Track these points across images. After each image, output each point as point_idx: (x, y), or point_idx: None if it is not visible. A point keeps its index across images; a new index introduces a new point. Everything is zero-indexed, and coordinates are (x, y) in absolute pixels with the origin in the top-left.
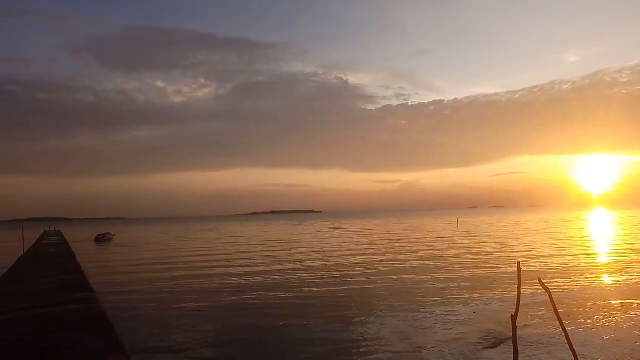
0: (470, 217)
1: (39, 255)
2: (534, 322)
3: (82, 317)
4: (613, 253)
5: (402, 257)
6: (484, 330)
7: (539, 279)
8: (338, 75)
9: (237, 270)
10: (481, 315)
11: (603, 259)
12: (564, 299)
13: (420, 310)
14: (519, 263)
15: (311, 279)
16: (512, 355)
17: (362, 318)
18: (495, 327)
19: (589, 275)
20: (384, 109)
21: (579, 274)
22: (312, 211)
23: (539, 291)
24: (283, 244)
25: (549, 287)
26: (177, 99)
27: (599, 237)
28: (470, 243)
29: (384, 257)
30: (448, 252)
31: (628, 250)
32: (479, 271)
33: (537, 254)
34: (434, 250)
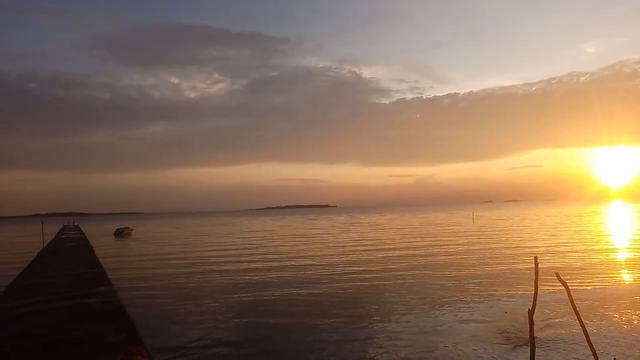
0: (486, 212)
1: (58, 249)
2: (554, 320)
3: (102, 310)
4: (634, 249)
5: (418, 252)
6: (503, 328)
7: (557, 274)
8: (352, 69)
9: (253, 265)
10: (501, 312)
11: (624, 254)
12: (584, 297)
13: (439, 308)
14: (535, 258)
15: (327, 275)
16: (529, 351)
17: (380, 316)
18: (514, 325)
19: (610, 272)
20: (398, 103)
21: (599, 270)
22: (327, 206)
23: (559, 288)
24: (298, 238)
25: (569, 284)
26: (192, 95)
27: (619, 232)
28: (487, 238)
29: (400, 253)
30: (465, 248)
31: None
32: (496, 267)
33: (556, 249)
34: (451, 245)
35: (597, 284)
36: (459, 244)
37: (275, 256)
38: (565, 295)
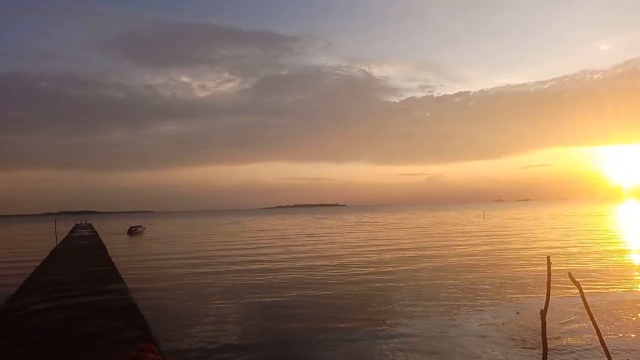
0: (498, 211)
1: (71, 247)
2: (567, 322)
3: (115, 307)
4: None
5: (429, 253)
6: (515, 329)
7: (569, 274)
8: (362, 67)
9: (263, 266)
10: (513, 313)
11: None
12: (599, 302)
13: (450, 309)
14: (548, 257)
15: (338, 275)
16: (542, 352)
17: (391, 319)
18: (526, 326)
19: (626, 275)
20: (408, 101)
21: (615, 273)
22: (336, 204)
23: (573, 292)
24: (308, 238)
25: (583, 287)
26: (202, 94)
27: (635, 233)
28: (499, 238)
29: (410, 253)
30: (476, 249)
31: None
32: (508, 268)
33: (570, 250)
34: (462, 245)
35: (613, 287)
36: (470, 244)
37: (285, 256)
38: (579, 298)
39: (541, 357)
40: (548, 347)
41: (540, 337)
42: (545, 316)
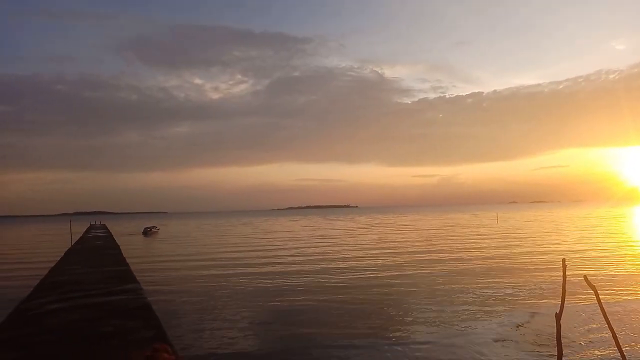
0: (512, 213)
1: (86, 247)
2: (583, 327)
3: (130, 307)
4: None
5: (443, 256)
6: (530, 333)
7: (585, 277)
8: (374, 69)
9: (276, 269)
10: (528, 316)
11: None
12: (617, 310)
13: (464, 313)
14: (563, 260)
15: (350, 279)
16: (557, 356)
17: (404, 323)
18: (541, 329)
19: None
20: (420, 102)
21: (636, 279)
22: (348, 206)
23: (590, 298)
24: (320, 240)
25: (600, 293)
26: (215, 96)
27: None
28: (513, 241)
29: (423, 257)
30: (491, 252)
31: None
32: (523, 271)
33: (587, 254)
34: (475, 249)
35: (633, 294)
36: (484, 247)
37: (298, 259)
38: (596, 303)
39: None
40: (563, 352)
41: (555, 340)
42: (560, 320)
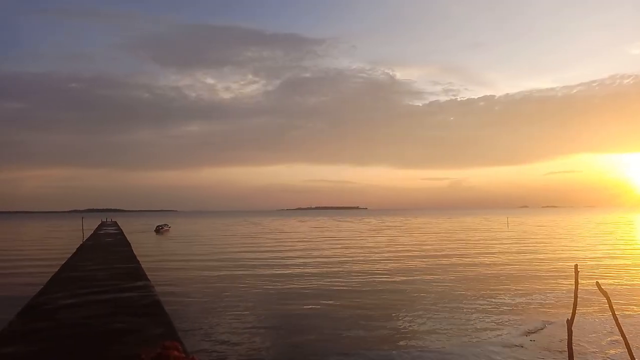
0: (523, 217)
1: (97, 244)
2: (595, 333)
3: (140, 304)
4: None
5: (453, 261)
6: (541, 339)
7: (597, 283)
8: (385, 70)
9: (287, 271)
10: (539, 323)
11: None
12: (632, 322)
13: (474, 319)
14: (576, 266)
15: (358, 284)
16: None
17: (416, 332)
18: (552, 336)
19: None
20: (431, 105)
21: None
22: (357, 207)
23: (603, 306)
24: (329, 242)
25: (616, 306)
26: (226, 95)
27: None
28: (524, 246)
29: (433, 261)
30: (502, 258)
31: None
32: (534, 277)
33: (603, 262)
34: (486, 254)
35: None
36: (494, 252)
37: (307, 260)
38: (608, 310)
39: None
40: (574, 359)
41: (567, 346)
42: (571, 326)
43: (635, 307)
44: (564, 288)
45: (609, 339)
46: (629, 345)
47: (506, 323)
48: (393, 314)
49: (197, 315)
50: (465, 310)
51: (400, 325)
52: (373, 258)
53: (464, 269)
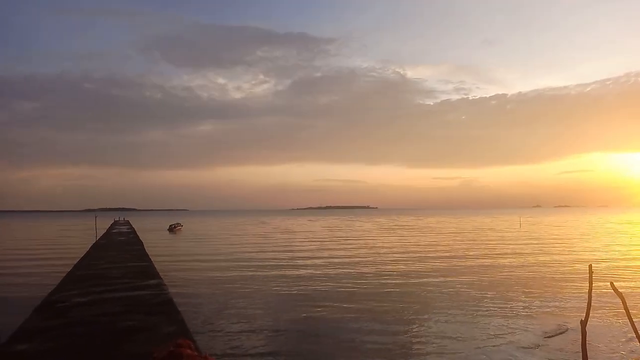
0: (535, 217)
1: (110, 243)
2: (609, 334)
3: (153, 303)
4: None
5: (468, 263)
6: (555, 340)
7: (611, 283)
8: (396, 69)
9: (299, 272)
10: (553, 324)
11: None
12: None
13: (493, 325)
14: (590, 266)
15: (371, 286)
16: None
17: (431, 336)
18: (566, 337)
19: None
20: (443, 104)
21: None
22: (368, 207)
23: (619, 307)
24: (340, 241)
25: (633, 311)
26: (237, 95)
27: None
28: (538, 247)
29: (445, 263)
30: (516, 259)
31: None
32: (550, 280)
33: (618, 264)
34: (501, 255)
35: None
36: (509, 254)
37: (319, 261)
38: (624, 312)
39: None
40: (588, 357)
41: (581, 347)
42: (585, 326)
43: None
44: (579, 289)
45: (623, 339)
46: None
47: (521, 325)
48: (408, 318)
49: (208, 315)
50: (480, 312)
51: (415, 330)
52: (385, 259)
53: (477, 271)
